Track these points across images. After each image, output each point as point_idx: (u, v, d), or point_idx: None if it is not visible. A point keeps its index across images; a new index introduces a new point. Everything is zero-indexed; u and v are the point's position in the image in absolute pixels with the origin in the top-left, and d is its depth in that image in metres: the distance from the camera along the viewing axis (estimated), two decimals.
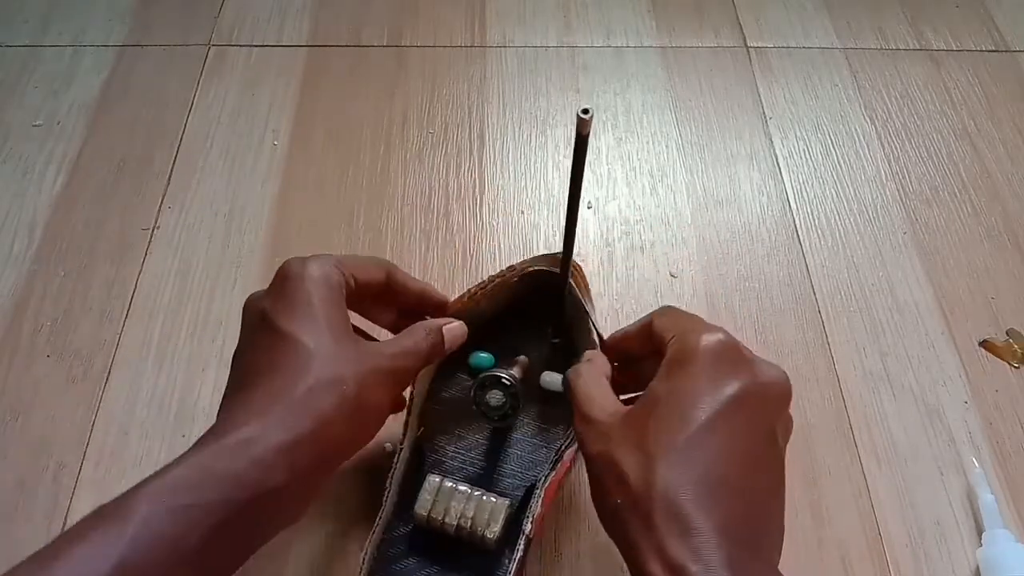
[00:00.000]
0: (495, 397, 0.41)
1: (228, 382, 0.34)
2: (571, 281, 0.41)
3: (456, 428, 0.44)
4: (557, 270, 0.40)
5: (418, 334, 0.37)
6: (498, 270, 0.43)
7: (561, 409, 0.43)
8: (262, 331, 0.33)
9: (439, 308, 0.41)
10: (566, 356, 0.44)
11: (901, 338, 0.55)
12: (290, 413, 0.30)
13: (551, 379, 0.40)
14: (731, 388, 0.29)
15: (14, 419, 0.50)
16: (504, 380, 0.40)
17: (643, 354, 0.35)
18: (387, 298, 0.39)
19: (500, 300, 0.44)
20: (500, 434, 0.44)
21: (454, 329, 0.39)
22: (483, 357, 0.43)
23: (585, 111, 0.29)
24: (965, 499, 0.47)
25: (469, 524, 0.39)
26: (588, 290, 0.46)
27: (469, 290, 0.43)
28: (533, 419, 0.44)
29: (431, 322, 0.38)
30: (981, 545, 0.43)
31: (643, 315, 0.37)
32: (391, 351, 0.35)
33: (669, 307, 0.36)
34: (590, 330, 0.41)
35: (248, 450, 0.28)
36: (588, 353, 0.38)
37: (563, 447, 0.40)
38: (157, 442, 0.49)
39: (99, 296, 0.55)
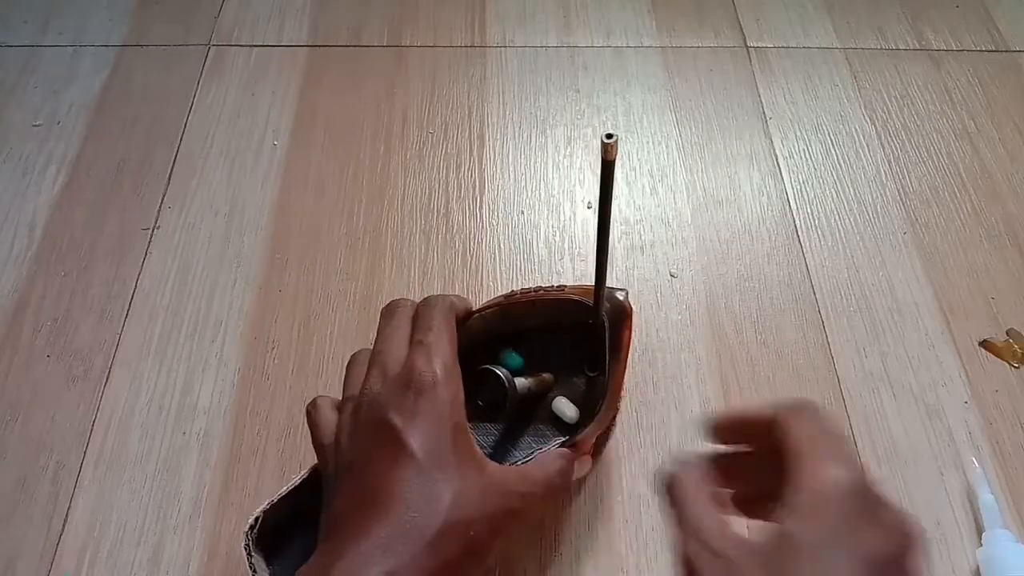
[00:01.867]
0: (485, 390, 0.39)
1: (341, 493, 0.32)
2: (606, 319, 0.40)
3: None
4: (590, 302, 0.40)
5: (550, 468, 0.35)
6: (502, 271, 0.44)
7: (562, 434, 0.43)
8: (391, 449, 0.31)
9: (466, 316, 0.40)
10: (595, 390, 0.42)
11: (901, 338, 0.55)
12: (420, 555, 0.29)
13: (563, 407, 0.40)
14: (873, 547, 0.26)
15: (14, 419, 0.50)
16: (499, 375, 0.39)
17: (753, 443, 0.32)
18: None
19: (542, 312, 0.43)
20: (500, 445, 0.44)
21: (584, 463, 0.39)
22: (514, 356, 0.42)
23: (609, 136, 0.28)
24: (965, 499, 0.47)
25: None
26: (625, 337, 0.43)
27: (515, 292, 0.43)
28: (531, 436, 0.44)
29: (565, 455, 0.37)
30: (981, 545, 0.43)
31: (765, 399, 0.34)
32: (523, 489, 0.33)
33: (807, 409, 0.30)
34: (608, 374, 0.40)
35: None
36: (681, 455, 0.33)
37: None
38: (157, 442, 0.49)
39: (99, 296, 0.55)
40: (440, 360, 0.32)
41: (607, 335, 0.41)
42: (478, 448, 0.33)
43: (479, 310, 0.42)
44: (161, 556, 0.45)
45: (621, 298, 0.43)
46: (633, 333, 0.43)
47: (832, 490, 0.26)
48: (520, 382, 0.40)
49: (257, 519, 0.36)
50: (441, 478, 0.30)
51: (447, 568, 0.29)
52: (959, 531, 0.46)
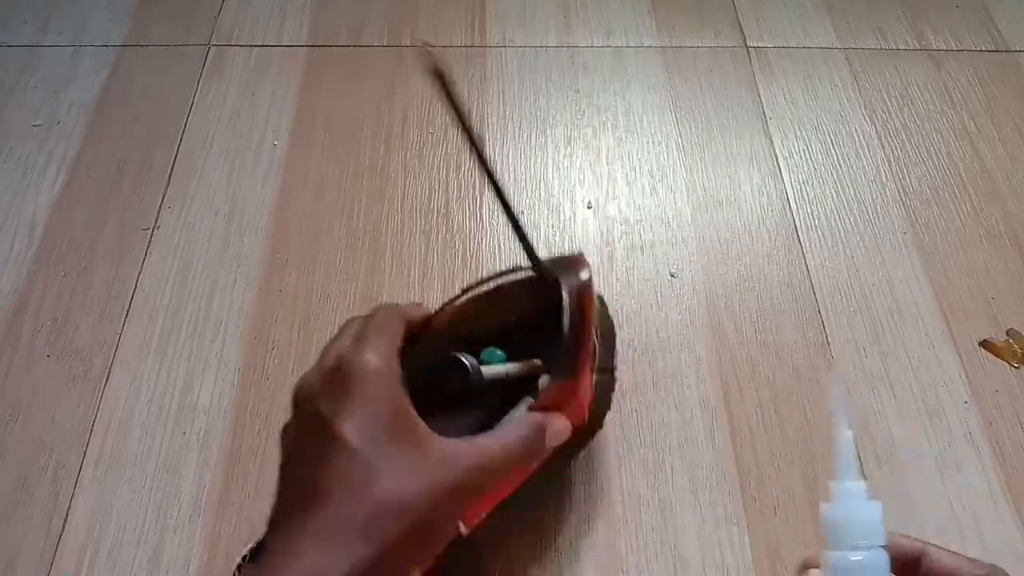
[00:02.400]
0: (452, 379, 0.37)
1: (280, 493, 0.31)
2: (564, 284, 0.38)
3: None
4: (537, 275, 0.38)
5: (509, 436, 0.32)
6: (500, 270, 0.42)
7: None
8: (319, 439, 0.29)
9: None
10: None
11: (901, 338, 0.55)
12: (354, 540, 0.27)
13: (545, 383, 0.37)
14: None
15: (14, 419, 0.50)
16: (461, 361, 0.37)
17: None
18: None
19: (511, 300, 0.42)
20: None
21: (557, 425, 0.34)
22: (493, 352, 0.40)
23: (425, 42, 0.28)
24: (966, 499, 0.47)
25: None
26: (587, 315, 0.39)
27: (474, 288, 0.41)
28: None
29: (532, 422, 0.34)
30: (829, 500, 0.31)
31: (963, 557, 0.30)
32: (472, 461, 0.30)
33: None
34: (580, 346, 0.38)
35: None
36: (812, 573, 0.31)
37: None
38: (157, 442, 0.49)
39: (99, 296, 0.55)
40: (372, 349, 0.31)
41: (564, 292, 0.38)
42: (424, 428, 0.31)
43: (446, 308, 0.40)
44: (161, 556, 0.45)
45: (575, 254, 0.41)
46: (594, 287, 0.41)
47: None
48: (494, 368, 0.38)
49: (251, 551, 0.35)
50: (375, 461, 0.28)
51: (389, 553, 0.28)
52: (959, 531, 0.46)
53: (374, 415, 0.29)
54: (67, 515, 0.46)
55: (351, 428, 0.29)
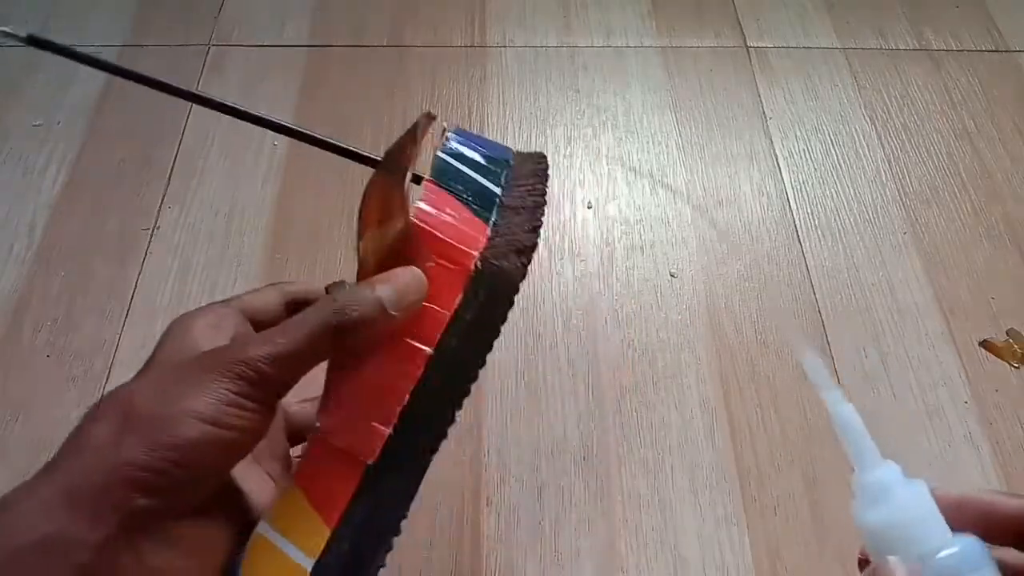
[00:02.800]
0: None
1: None
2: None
3: None
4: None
5: (301, 316, 0.25)
6: None
7: None
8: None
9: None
10: None
11: (901, 338, 0.55)
12: (78, 518, 0.21)
13: None
14: None
15: (14, 419, 0.50)
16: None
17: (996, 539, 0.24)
18: None
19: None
20: None
21: (399, 280, 0.26)
22: None
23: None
24: None
25: None
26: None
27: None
28: None
29: (344, 294, 0.25)
30: (856, 496, 0.25)
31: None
32: (216, 357, 0.24)
33: None
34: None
35: None
36: (891, 561, 0.23)
37: None
38: None
39: (99, 296, 0.55)
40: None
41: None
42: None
43: None
44: None
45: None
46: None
47: None
48: None
49: None
50: (119, 391, 0.24)
51: (123, 520, 0.22)
52: None
53: (151, 361, 0.27)
54: None
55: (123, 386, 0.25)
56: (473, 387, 0.28)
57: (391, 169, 0.28)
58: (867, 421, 0.52)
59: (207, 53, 0.71)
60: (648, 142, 0.66)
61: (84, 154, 0.63)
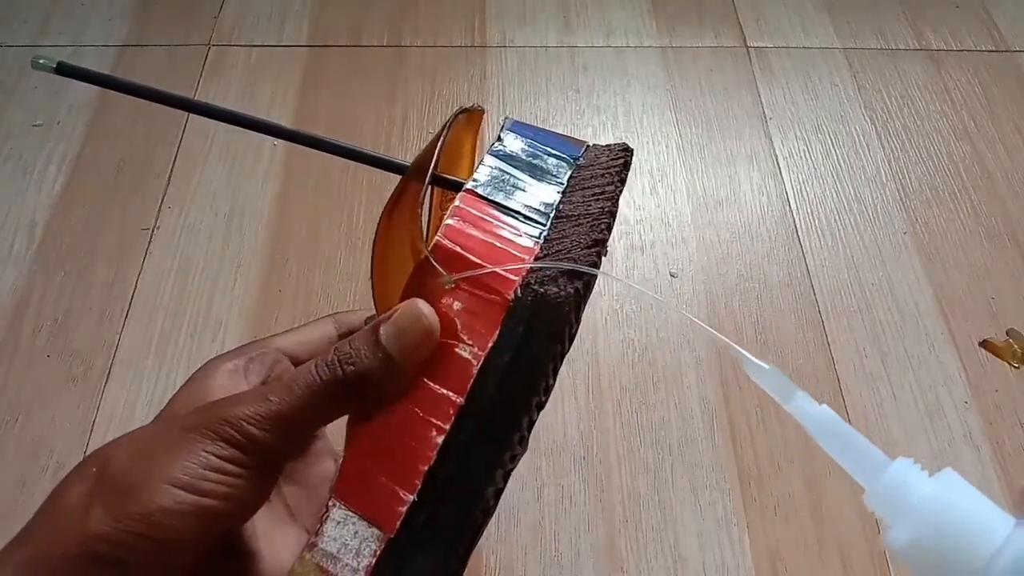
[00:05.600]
0: None
1: None
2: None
3: None
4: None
5: (296, 373, 0.22)
6: None
7: None
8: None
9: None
10: None
11: (901, 338, 0.55)
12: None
13: None
14: None
15: (14, 419, 0.50)
16: None
17: None
18: None
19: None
20: None
21: (399, 321, 0.22)
22: None
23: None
24: None
25: None
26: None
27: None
28: None
29: (347, 340, 0.22)
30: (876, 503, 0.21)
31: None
32: (200, 416, 0.21)
33: None
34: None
35: None
36: None
37: None
38: None
39: (99, 296, 0.55)
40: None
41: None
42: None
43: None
44: None
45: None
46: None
47: None
48: None
49: None
50: (102, 450, 0.22)
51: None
52: None
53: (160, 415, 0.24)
54: None
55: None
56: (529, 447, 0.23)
57: (410, 177, 0.24)
58: (868, 422, 0.52)
59: (207, 53, 0.71)
60: (648, 142, 0.66)
61: (84, 154, 0.63)
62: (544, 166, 0.25)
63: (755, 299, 0.56)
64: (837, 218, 0.61)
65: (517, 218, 0.23)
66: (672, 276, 0.57)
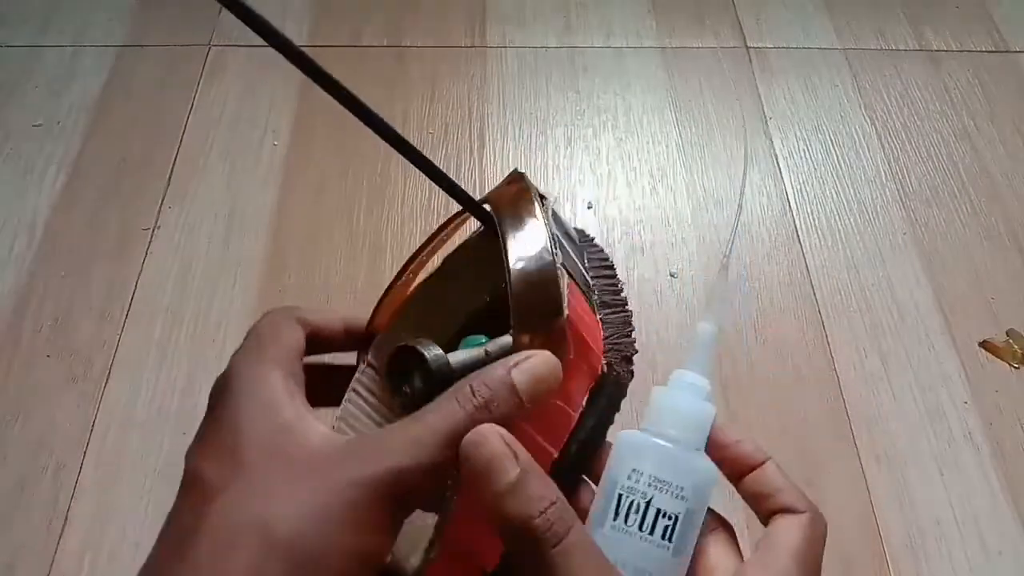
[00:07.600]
0: (413, 377, 0.25)
1: (148, 556, 0.23)
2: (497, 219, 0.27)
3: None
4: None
5: (443, 409, 0.22)
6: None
7: None
8: (183, 484, 0.24)
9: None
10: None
11: (901, 338, 0.55)
12: None
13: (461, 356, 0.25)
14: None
15: (14, 419, 0.50)
16: (417, 350, 0.24)
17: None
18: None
19: (464, 259, 0.31)
20: None
21: (531, 366, 0.23)
22: (477, 340, 0.28)
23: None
24: (966, 499, 0.47)
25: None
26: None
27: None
28: None
29: (480, 379, 0.22)
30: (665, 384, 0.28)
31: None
32: (365, 472, 0.21)
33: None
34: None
35: None
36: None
37: None
38: (157, 442, 0.49)
39: (99, 296, 0.55)
40: (233, 368, 0.24)
41: (500, 227, 0.27)
42: (313, 436, 0.23)
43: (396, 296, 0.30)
44: None
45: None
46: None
47: (819, 543, 0.25)
48: (466, 353, 0.26)
49: None
50: (215, 475, 0.23)
51: None
52: (959, 531, 0.46)
53: (236, 439, 0.23)
54: (67, 516, 0.46)
55: (209, 466, 0.23)
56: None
57: (549, 262, 0.25)
58: (868, 421, 0.52)
59: (207, 53, 0.71)
60: (648, 142, 0.66)
61: (84, 154, 0.63)
62: (573, 238, 0.28)
63: (755, 299, 0.56)
64: (837, 218, 0.61)
65: (586, 295, 0.26)
66: (672, 276, 0.57)
